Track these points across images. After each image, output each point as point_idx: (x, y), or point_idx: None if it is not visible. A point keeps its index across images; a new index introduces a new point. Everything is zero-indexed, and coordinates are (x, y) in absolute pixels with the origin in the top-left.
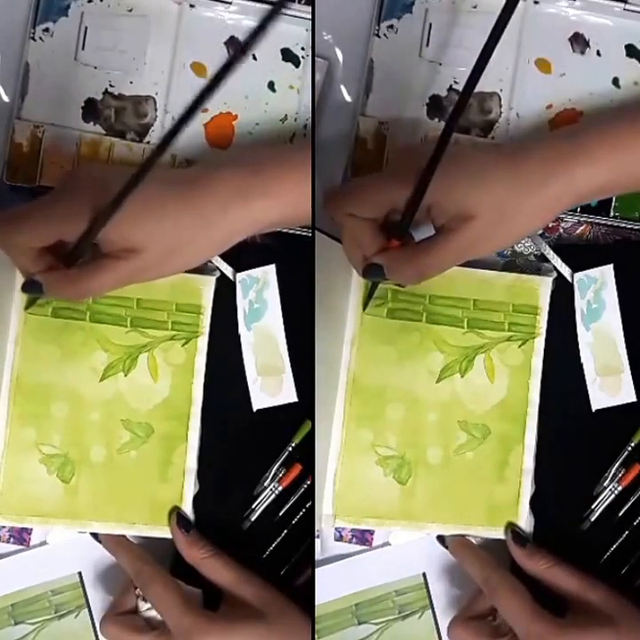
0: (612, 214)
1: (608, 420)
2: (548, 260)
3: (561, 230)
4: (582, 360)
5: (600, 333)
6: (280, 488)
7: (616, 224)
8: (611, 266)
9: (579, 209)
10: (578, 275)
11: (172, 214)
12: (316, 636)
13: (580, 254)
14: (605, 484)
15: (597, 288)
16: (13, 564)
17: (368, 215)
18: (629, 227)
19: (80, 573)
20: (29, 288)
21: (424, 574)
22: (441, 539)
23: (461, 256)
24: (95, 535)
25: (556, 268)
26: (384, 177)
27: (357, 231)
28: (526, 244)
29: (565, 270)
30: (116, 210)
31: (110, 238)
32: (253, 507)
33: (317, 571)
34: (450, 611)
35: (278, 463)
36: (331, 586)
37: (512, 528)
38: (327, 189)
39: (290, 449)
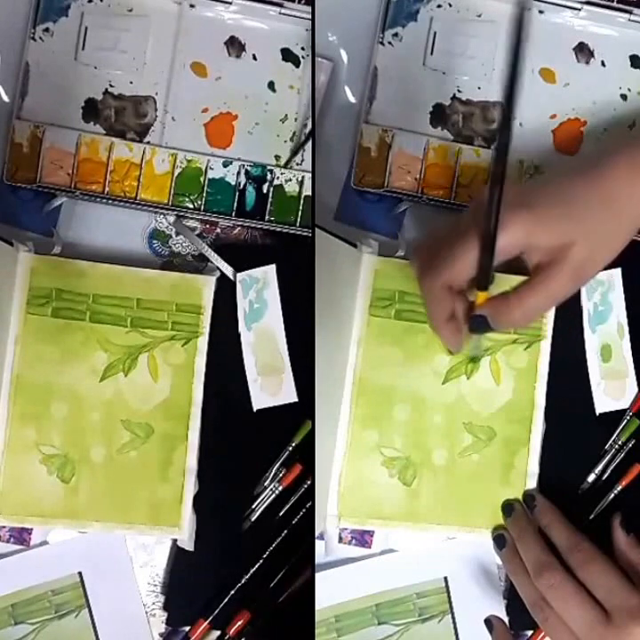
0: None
1: (609, 422)
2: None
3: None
4: (587, 364)
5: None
6: (280, 488)
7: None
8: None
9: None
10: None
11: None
12: (315, 637)
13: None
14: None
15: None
16: (13, 564)
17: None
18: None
19: (80, 573)
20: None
21: (445, 579)
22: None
23: (569, 286)
24: None
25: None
26: (463, 240)
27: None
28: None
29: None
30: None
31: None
32: (253, 507)
33: (338, 570)
34: (470, 616)
35: (278, 463)
36: (351, 585)
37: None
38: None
39: (290, 449)
